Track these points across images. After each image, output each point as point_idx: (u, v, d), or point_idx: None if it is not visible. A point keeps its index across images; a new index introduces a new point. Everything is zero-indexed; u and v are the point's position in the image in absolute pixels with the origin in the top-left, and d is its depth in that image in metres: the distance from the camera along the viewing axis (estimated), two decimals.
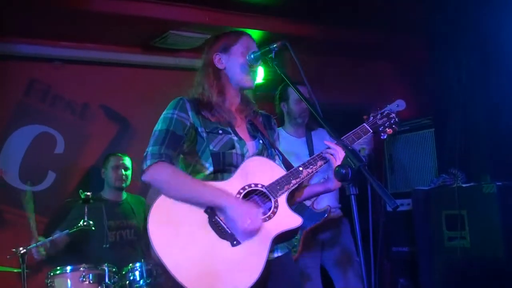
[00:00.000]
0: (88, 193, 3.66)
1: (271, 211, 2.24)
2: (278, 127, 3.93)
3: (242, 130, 2.42)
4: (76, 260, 3.70)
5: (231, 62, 2.40)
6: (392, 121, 2.51)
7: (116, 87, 4.83)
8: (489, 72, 4.69)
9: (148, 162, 2.23)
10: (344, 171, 2.01)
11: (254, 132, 2.46)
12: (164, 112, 2.34)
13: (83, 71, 4.72)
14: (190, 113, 2.31)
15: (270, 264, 2.19)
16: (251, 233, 2.15)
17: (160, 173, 2.22)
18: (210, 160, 2.29)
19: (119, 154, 4.30)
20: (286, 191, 2.27)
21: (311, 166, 2.33)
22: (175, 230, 2.15)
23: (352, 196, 2.02)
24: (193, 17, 4.42)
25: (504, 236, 3.91)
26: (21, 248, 3.46)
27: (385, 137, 2.51)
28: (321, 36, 5.05)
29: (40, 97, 4.57)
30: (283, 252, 2.35)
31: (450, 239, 4.21)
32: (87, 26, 4.36)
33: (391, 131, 2.51)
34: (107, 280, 3.53)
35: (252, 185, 2.26)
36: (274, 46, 2.30)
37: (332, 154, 2.33)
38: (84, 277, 3.51)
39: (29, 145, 4.47)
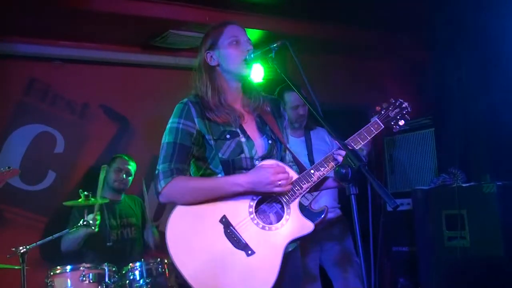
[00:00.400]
0: (88, 193, 3.66)
1: (284, 218, 2.26)
2: None
3: (250, 126, 2.39)
4: (76, 260, 3.70)
5: (222, 55, 2.37)
6: (404, 111, 2.45)
7: (116, 87, 4.83)
8: (489, 72, 4.69)
9: (162, 183, 2.25)
10: (344, 171, 2.01)
11: (262, 127, 2.42)
12: (170, 121, 2.34)
13: (83, 71, 4.72)
14: (196, 120, 2.30)
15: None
16: (277, 184, 2.19)
17: (175, 189, 2.25)
18: (220, 167, 2.30)
19: (126, 158, 4.29)
20: (298, 196, 2.29)
21: (322, 169, 2.32)
22: (192, 243, 2.19)
23: (352, 195, 2.02)
24: (193, 17, 4.42)
25: (504, 235, 3.91)
26: (21, 247, 3.46)
27: (397, 129, 2.46)
28: (321, 36, 5.05)
29: (40, 96, 4.56)
30: (293, 247, 2.37)
31: (450, 238, 4.21)
32: (87, 25, 4.36)
33: (404, 122, 2.44)
34: (107, 279, 3.53)
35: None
36: (275, 45, 2.28)
37: (342, 156, 2.33)
38: (84, 276, 3.50)
39: (29, 145, 4.46)
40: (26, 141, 4.45)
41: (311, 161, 3.77)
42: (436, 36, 5.06)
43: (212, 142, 2.29)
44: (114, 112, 4.83)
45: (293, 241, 2.27)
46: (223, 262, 2.17)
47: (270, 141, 2.40)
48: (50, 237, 3.69)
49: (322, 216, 3.75)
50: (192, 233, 2.20)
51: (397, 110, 2.45)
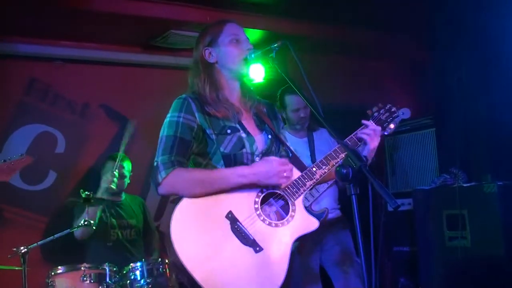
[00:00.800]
0: (89, 193, 3.66)
1: (289, 214, 2.26)
2: None
3: (249, 123, 2.40)
4: (77, 260, 3.70)
5: (221, 53, 2.37)
6: (394, 115, 2.52)
7: (117, 87, 4.83)
8: (489, 72, 4.69)
9: (163, 174, 2.19)
10: (344, 171, 2.00)
11: (261, 125, 2.43)
12: (169, 115, 2.30)
13: (83, 71, 4.72)
14: (196, 114, 2.27)
15: None
16: (287, 178, 2.22)
17: (177, 180, 2.19)
18: (222, 162, 2.27)
19: (119, 158, 4.15)
20: (302, 193, 2.29)
21: (324, 166, 2.34)
22: (198, 239, 2.13)
23: (353, 195, 2.01)
24: (193, 17, 4.42)
25: (505, 235, 3.91)
26: (21, 247, 3.46)
27: (387, 133, 2.52)
28: (321, 36, 5.05)
29: (41, 96, 4.56)
30: (295, 246, 2.33)
31: (451, 238, 4.21)
32: (87, 25, 4.36)
33: (394, 125, 2.53)
34: (108, 279, 3.53)
35: (270, 188, 2.27)
36: (275, 45, 2.28)
37: (368, 134, 2.36)
38: (85, 276, 3.51)
39: (30, 145, 4.46)
40: (26, 141, 4.45)
41: (314, 162, 3.77)
42: (436, 36, 5.06)
43: (213, 136, 2.27)
44: (114, 112, 4.83)
45: (298, 239, 2.25)
46: (231, 259, 2.13)
47: (270, 136, 2.42)
48: (51, 237, 3.69)
49: (322, 218, 3.76)
50: (198, 229, 2.15)
51: (387, 114, 2.53)
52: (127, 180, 4.23)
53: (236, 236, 2.16)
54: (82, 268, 3.53)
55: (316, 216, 3.79)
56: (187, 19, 4.41)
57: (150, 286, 3.52)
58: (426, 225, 4.42)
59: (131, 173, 4.27)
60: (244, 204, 2.22)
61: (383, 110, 2.53)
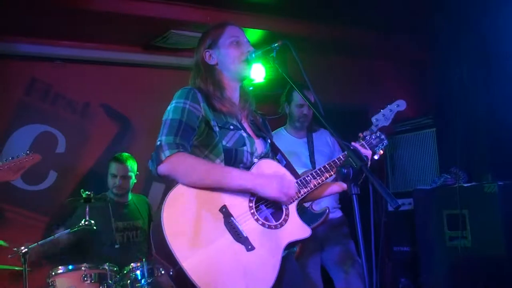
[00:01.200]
0: (89, 192, 3.65)
1: (282, 218, 2.24)
2: (280, 126, 3.98)
3: (247, 127, 2.40)
4: (80, 260, 3.69)
5: (222, 55, 2.37)
6: (383, 143, 2.58)
7: (117, 87, 4.83)
8: (490, 71, 4.69)
9: (167, 153, 2.10)
10: (345, 171, 2.00)
11: (257, 131, 2.44)
12: (174, 101, 2.24)
13: (84, 71, 4.72)
14: (202, 104, 2.25)
15: None
16: (291, 198, 2.23)
17: (182, 162, 2.10)
18: (222, 156, 2.23)
19: (122, 159, 4.18)
20: (296, 199, 2.28)
21: (318, 177, 2.35)
22: (191, 228, 2.05)
23: (354, 195, 2.01)
24: (194, 16, 4.42)
25: (505, 235, 3.91)
26: (22, 247, 3.46)
27: (378, 157, 2.57)
28: (322, 36, 5.05)
29: (41, 96, 4.57)
30: (285, 253, 2.30)
31: (451, 238, 4.21)
32: (88, 25, 4.36)
33: (382, 152, 2.59)
34: (108, 279, 3.53)
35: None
36: (276, 45, 2.27)
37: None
38: (85, 276, 3.51)
39: (31, 145, 4.47)
40: (27, 141, 4.45)
41: (312, 163, 3.77)
42: (436, 36, 5.05)
43: (217, 128, 2.24)
44: (115, 111, 4.83)
45: (289, 245, 2.22)
46: (222, 253, 2.06)
47: (269, 141, 2.43)
48: (51, 237, 3.69)
49: (323, 217, 3.76)
50: (190, 218, 2.06)
51: (377, 140, 2.57)
52: (133, 181, 4.23)
53: (228, 231, 2.10)
54: (82, 268, 3.53)
55: (316, 216, 3.81)
56: (187, 19, 4.41)
57: (150, 286, 3.52)
58: (427, 225, 4.42)
59: (138, 173, 4.27)
60: (239, 201, 2.18)
61: (374, 135, 2.57)
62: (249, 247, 2.11)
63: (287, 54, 2.27)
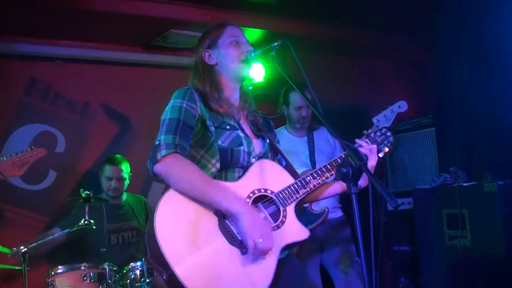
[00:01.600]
0: (89, 192, 3.65)
1: (279, 220, 2.20)
2: (280, 126, 3.97)
3: (246, 127, 2.39)
4: (77, 260, 3.70)
5: (221, 55, 2.37)
6: (389, 140, 2.51)
7: (117, 86, 4.83)
8: (489, 71, 4.69)
9: (164, 152, 2.08)
10: (344, 170, 1.99)
11: (257, 132, 2.42)
12: (171, 101, 2.24)
13: (84, 70, 4.72)
14: (198, 104, 2.24)
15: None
16: (261, 253, 2.05)
17: (174, 165, 2.08)
18: (218, 156, 2.21)
19: (116, 161, 4.18)
20: (294, 200, 2.25)
21: (318, 177, 2.32)
22: (184, 232, 2.02)
23: (353, 195, 2.00)
24: (194, 16, 4.42)
25: (505, 234, 3.90)
26: (22, 247, 3.46)
27: (382, 155, 2.51)
28: (321, 36, 5.05)
29: (41, 96, 4.57)
30: (284, 254, 2.29)
31: (451, 238, 4.21)
32: (88, 25, 4.36)
33: (388, 149, 2.52)
34: (108, 279, 3.53)
35: (262, 190, 2.21)
36: (275, 44, 2.26)
37: (364, 154, 2.33)
38: (85, 276, 3.51)
39: (30, 144, 4.45)
40: (27, 141, 4.44)
41: (313, 162, 3.77)
42: (436, 36, 5.05)
43: (212, 128, 2.23)
44: (115, 111, 4.83)
45: (286, 247, 2.19)
46: (215, 257, 2.03)
47: (268, 141, 2.41)
48: (51, 237, 3.69)
49: (322, 218, 3.77)
50: (184, 222, 2.03)
51: (383, 137, 2.51)
52: (126, 182, 4.23)
53: (223, 234, 2.08)
54: (82, 267, 3.54)
55: (316, 216, 3.82)
56: (187, 19, 4.41)
57: (150, 285, 3.52)
58: (426, 224, 4.42)
59: (131, 174, 4.27)
60: None
61: (379, 132, 2.51)
62: (244, 250, 2.07)
63: (287, 54, 2.27)
